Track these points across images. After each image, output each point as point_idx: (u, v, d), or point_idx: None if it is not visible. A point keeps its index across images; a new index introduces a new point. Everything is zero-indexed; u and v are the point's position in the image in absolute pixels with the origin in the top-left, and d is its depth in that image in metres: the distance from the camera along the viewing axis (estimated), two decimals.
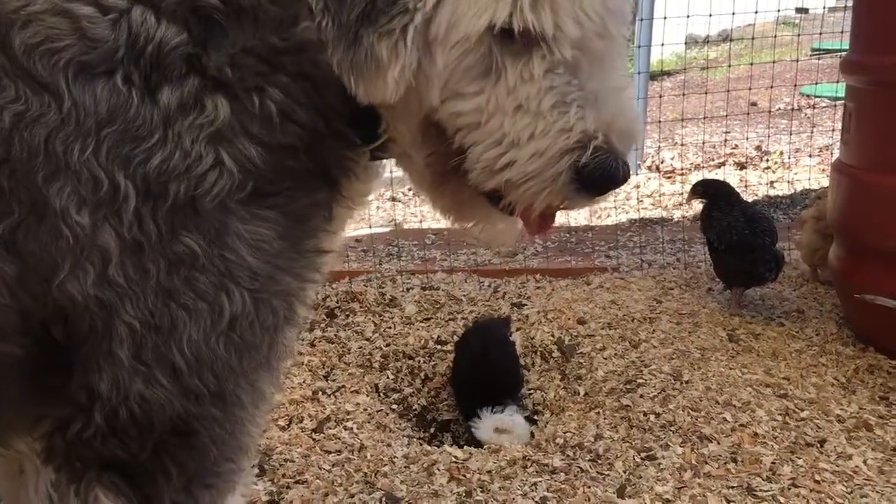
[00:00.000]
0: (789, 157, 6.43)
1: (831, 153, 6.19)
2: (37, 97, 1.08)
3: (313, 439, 2.52)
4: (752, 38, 6.12)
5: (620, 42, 1.28)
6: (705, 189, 3.61)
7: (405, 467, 2.37)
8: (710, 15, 5.08)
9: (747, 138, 6.74)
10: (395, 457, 2.42)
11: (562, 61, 1.20)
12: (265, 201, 1.17)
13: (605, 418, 2.59)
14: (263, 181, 1.17)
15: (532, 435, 2.63)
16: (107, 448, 1.16)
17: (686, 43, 11.01)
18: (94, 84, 1.10)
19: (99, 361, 1.13)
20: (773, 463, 2.30)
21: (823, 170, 5.95)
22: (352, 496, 2.23)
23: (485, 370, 2.80)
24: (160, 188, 1.11)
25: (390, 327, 3.36)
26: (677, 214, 5.26)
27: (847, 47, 3.26)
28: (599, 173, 1.22)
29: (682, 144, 6.72)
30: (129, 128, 1.10)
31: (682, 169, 6.30)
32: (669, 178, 6.23)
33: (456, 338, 3.13)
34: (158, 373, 1.14)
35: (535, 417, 2.81)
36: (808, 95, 8.16)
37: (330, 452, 2.45)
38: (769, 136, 6.62)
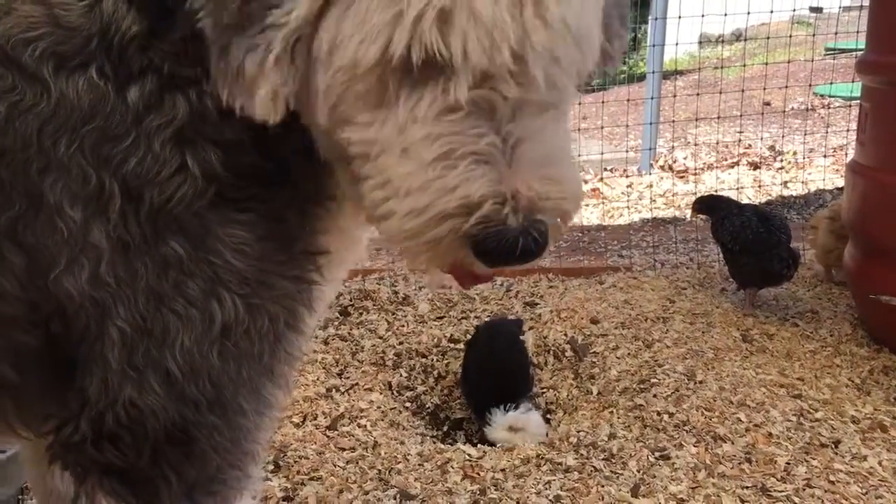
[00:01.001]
0: (803, 157, 6.40)
1: (845, 153, 6.16)
2: (30, 87, 1.06)
3: (327, 436, 2.53)
4: (767, 38, 6.10)
5: (556, 93, 1.05)
6: (706, 203, 3.68)
7: (419, 465, 2.38)
8: (725, 14, 5.07)
9: (761, 138, 6.72)
10: (408, 454, 2.43)
11: (463, 103, 1.00)
12: (234, 204, 1.12)
13: (618, 418, 2.59)
14: (226, 182, 1.11)
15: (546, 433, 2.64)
16: (102, 454, 1.14)
17: (699, 42, 10.99)
18: (75, 76, 1.07)
19: (90, 366, 1.12)
20: (788, 463, 2.30)
21: (837, 170, 5.93)
22: (366, 493, 2.24)
23: (495, 369, 2.80)
24: (138, 191, 1.08)
25: (403, 325, 3.37)
26: (690, 214, 5.25)
27: (861, 47, 3.25)
28: (493, 246, 1.01)
29: (695, 144, 6.71)
30: (107, 125, 1.07)
31: (695, 168, 6.29)
32: (682, 177, 6.22)
33: (469, 336, 3.14)
34: (151, 379, 1.11)
35: (549, 417, 2.81)
36: (822, 95, 8.12)
37: (344, 450, 2.46)
38: (783, 136, 6.60)
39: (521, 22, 0.98)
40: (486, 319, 3.34)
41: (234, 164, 1.12)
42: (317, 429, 2.57)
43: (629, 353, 3.01)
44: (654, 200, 5.55)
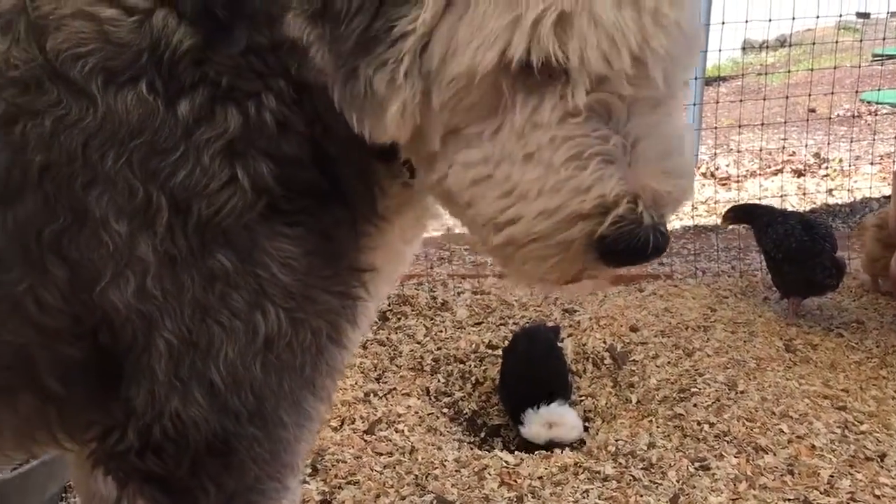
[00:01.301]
0: (849, 165, 6.29)
1: (893, 161, 6.04)
2: (76, 102, 1.07)
3: (365, 440, 2.54)
4: (813, 44, 6.01)
5: (671, 91, 1.07)
6: (742, 211, 3.64)
7: (456, 471, 2.37)
8: (770, 20, 5.00)
9: (805, 145, 6.61)
10: (445, 460, 2.43)
11: (581, 108, 1.01)
12: (284, 217, 1.12)
13: (658, 427, 2.56)
14: (277, 195, 1.11)
15: (583, 441, 2.62)
16: (143, 463, 1.15)
17: (743, 48, 10.84)
18: (124, 91, 1.07)
19: (137, 377, 1.13)
20: (832, 476, 2.26)
21: (884, 178, 5.82)
22: (403, 498, 2.24)
23: (532, 376, 2.78)
24: (186, 204, 1.08)
25: (441, 331, 3.37)
26: (721, 223, 5.18)
27: None
28: (623, 246, 1.02)
29: (738, 151, 6.62)
30: (156, 139, 1.07)
31: (737, 176, 6.21)
32: (724, 185, 6.14)
33: (507, 342, 3.13)
34: (195, 391, 1.12)
35: (587, 425, 2.79)
36: (868, 102, 7.98)
37: (381, 454, 2.46)
38: (828, 143, 6.48)
39: (641, 26, 0.99)
40: (524, 325, 3.33)
41: (289, 179, 1.12)
42: (354, 433, 2.58)
43: (669, 362, 2.98)
44: (696, 208, 5.48)
